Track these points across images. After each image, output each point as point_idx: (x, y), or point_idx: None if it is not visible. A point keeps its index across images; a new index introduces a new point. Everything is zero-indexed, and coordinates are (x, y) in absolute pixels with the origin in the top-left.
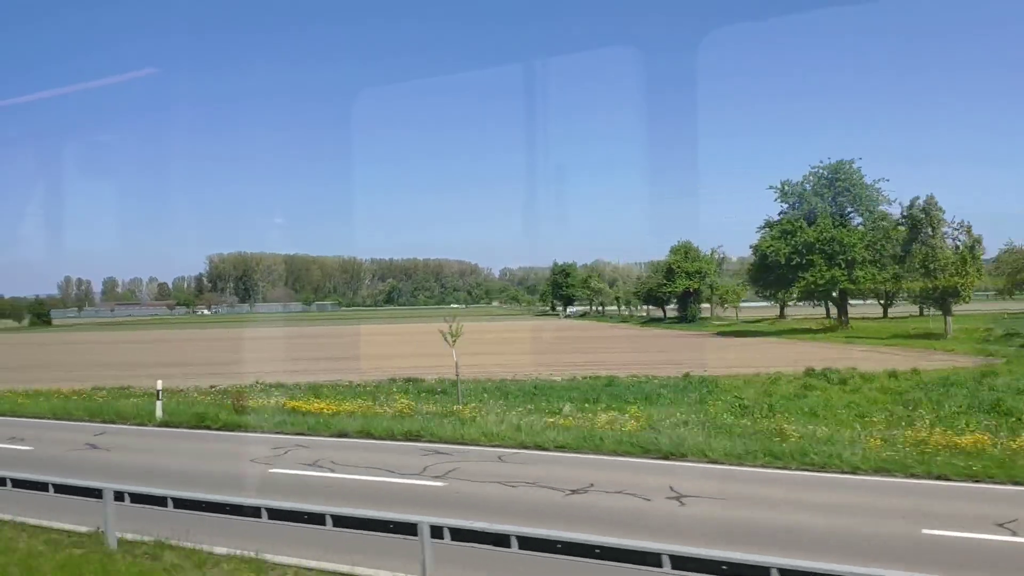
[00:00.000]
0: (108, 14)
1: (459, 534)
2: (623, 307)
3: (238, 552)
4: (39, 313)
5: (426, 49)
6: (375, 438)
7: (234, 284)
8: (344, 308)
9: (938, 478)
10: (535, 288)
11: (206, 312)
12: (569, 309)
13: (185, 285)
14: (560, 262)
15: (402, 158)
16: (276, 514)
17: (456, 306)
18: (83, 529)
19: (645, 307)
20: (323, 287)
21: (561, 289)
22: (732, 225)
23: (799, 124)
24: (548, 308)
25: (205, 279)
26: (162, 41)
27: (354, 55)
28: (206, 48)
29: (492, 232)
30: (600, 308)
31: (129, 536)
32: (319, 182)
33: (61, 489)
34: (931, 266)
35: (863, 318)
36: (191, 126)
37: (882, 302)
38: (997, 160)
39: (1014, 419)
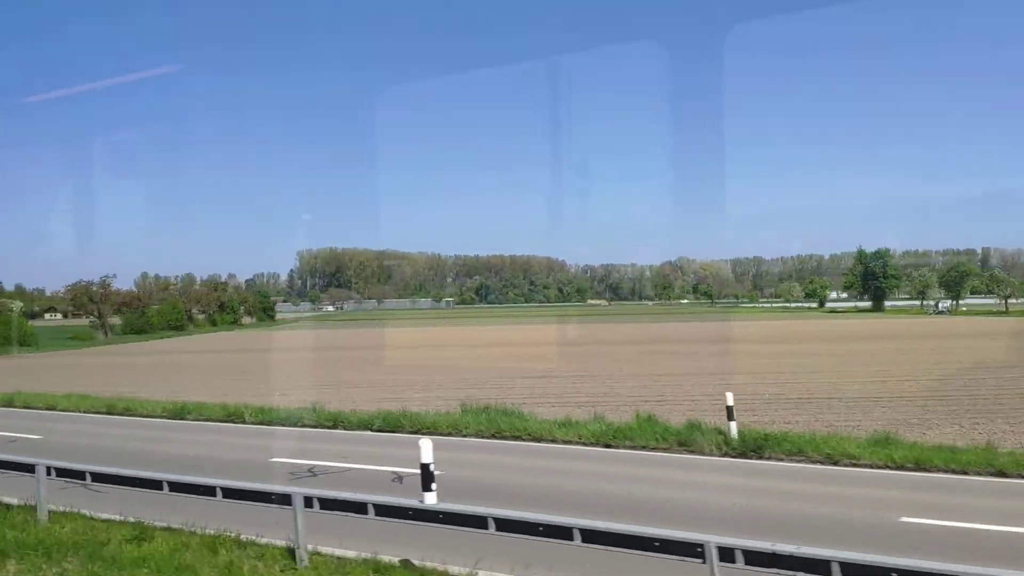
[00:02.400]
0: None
1: None
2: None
3: None
4: (265, 308)
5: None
6: None
7: (326, 280)
8: (459, 306)
9: None
10: (616, 285)
11: (330, 309)
12: (941, 304)
13: (266, 280)
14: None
15: (442, 155)
16: None
17: (646, 303)
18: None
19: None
20: (411, 284)
21: (877, 280)
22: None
23: (827, 116)
24: (815, 303)
25: (296, 275)
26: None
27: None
28: (227, 45)
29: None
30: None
31: None
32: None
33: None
34: None
35: None
36: (253, 123)
37: None
38: None
39: None
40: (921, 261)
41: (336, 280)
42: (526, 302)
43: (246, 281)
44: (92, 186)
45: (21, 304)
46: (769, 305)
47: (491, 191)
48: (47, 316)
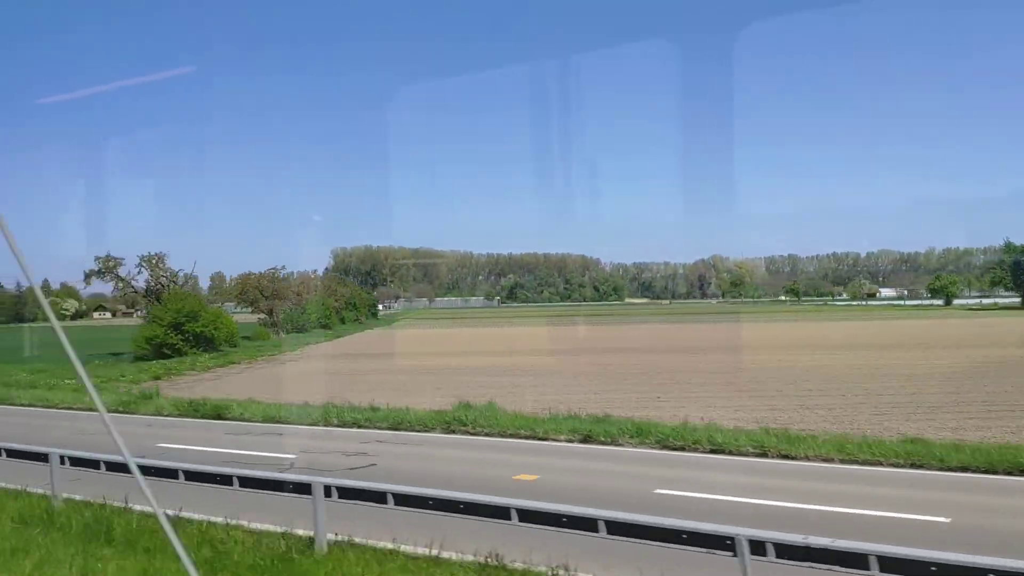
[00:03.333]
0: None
1: None
2: None
3: None
4: (370, 305)
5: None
6: None
7: (360, 279)
8: (503, 305)
9: None
10: (649, 284)
11: (379, 308)
12: None
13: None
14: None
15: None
16: None
17: (715, 301)
18: None
19: None
20: (445, 282)
21: None
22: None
23: (837, 116)
24: (940, 300)
25: (331, 274)
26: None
27: (384, 56)
28: (247, 46)
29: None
30: None
31: None
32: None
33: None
34: None
35: None
36: (275, 123)
37: None
38: None
39: None
40: None
41: (371, 279)
42: (561, 300)
43: None
44: (113, 186)
45: (76, 303)
46: (871, 303)
47: (517, 190)
48: (95, 315)
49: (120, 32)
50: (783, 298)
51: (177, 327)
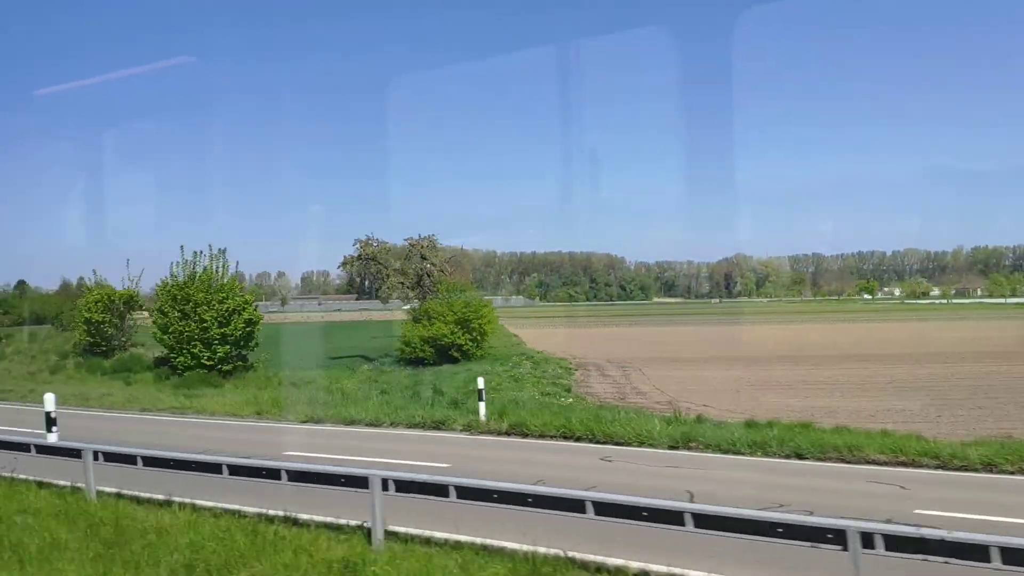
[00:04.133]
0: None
1: None
2: None
3: None
4: None
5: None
6: None
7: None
8: (551, 304)
9: None
10: (671, 283)
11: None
12: None
13: (315, 279)
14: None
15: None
16: None
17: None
18: None
19: None
20: (469, 281)
21: None
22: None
23: (838, 107)
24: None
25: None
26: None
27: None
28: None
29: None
30: None
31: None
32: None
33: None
34: None
35: None
36: (280, 122)
37: None
38: None
39: None
40: None
41: None
42: (587, 300)
43: (302, 278)
44: (116, 182)
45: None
46: (955, 301)
47: (537, 188)
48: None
49: (119, 25)
50: (867, 296)
51: (463, 324)
